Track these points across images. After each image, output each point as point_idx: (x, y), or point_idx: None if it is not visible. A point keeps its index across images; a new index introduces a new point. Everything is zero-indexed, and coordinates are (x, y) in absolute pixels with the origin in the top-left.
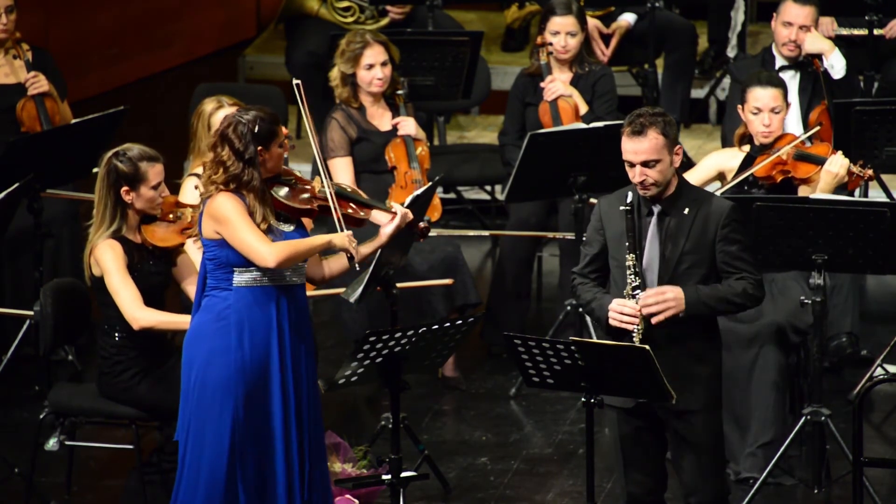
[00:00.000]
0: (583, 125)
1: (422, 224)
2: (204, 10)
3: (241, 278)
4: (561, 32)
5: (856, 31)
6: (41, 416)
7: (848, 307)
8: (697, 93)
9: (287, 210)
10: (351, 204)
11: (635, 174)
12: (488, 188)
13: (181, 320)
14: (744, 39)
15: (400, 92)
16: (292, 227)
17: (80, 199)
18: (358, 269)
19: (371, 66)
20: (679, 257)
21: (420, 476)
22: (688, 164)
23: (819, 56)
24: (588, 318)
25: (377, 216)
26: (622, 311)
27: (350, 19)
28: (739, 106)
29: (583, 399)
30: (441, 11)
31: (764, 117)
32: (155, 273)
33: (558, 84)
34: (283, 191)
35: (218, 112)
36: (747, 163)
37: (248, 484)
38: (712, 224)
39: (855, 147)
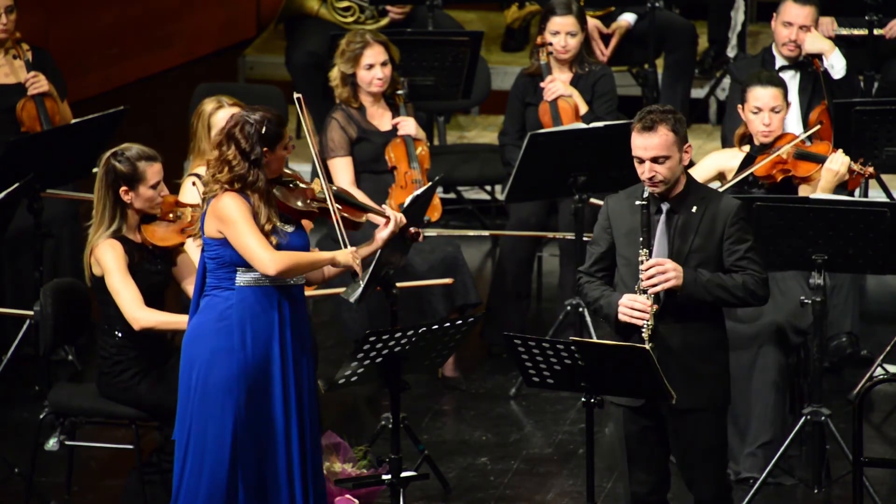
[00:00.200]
0: (583, 125)
1: (413, 230)
2: (204, 10)
3: (243, 278)
4: (561, 32)
5: (856, 31)
6: (41, 416)
7: (848, 307)
8: (697, 93)
9: (288, 211)
10: (347, 207)
11: (644, 170)
12: (488, 188)
13: (182, 320)
14: (744, 39)
15: (400, 92)
16: (293, 228)
17: (80, 199)
18: (362, 285)
19: (371, 66)
20: (687, 255)
21: (420, 476)
22: (688, 164)
23: (819, 56)
24: (588, 318)
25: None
26: (633, 305)
27: (350, 19)
28: (739, 105)
29: (583, 399)
30: (441, 11)
31: (764, 117)
32: (155, 272)
33: (558, 84)
34: (286, 192)
35: (218, 112)
36: (747, 163)
37: (248, 484)
38: (720, 222)
39: (855, 147)
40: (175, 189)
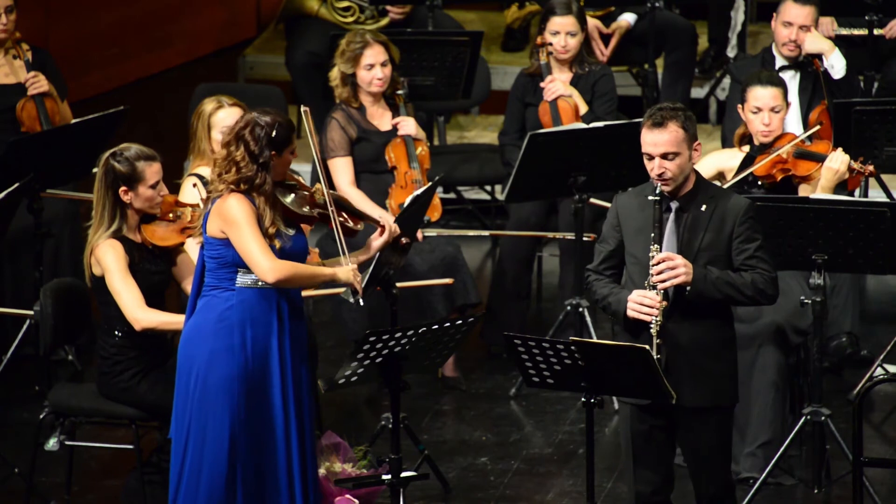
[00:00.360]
0: (583, 125)
1: (404, 240)
2: (204, 10)
3: (244, 279)
4: (561, 32)
5: (856, 31)
6: (41, 416)
7: (848, 307)
8: (697, 93)
9: (290, 215)
10: (345, 214)
11: (654, 167)
12: (488, 188)
13: (182, 321)
14: (744, 39)
15: (400, 92)
16: (293, 232)
17: (80, 199)
18: (362, 304)
19: (371, 66)
20: (696, 253)
21: (420, 476)
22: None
23: (819, 56)
24: (588, 318)
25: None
26: (642, 301)
27: (350, 19)
28: (739, 105)
29: (583, 399)
30: (441, 11)
31: (764, 116)
32: (155, 272)
33: (558, 84)
34: (289, 197)
35: (218, 112)
36: (747, 162)
37: (247, 484)
38: (729, 221)
39: (855, 147)
40: (175, 189)
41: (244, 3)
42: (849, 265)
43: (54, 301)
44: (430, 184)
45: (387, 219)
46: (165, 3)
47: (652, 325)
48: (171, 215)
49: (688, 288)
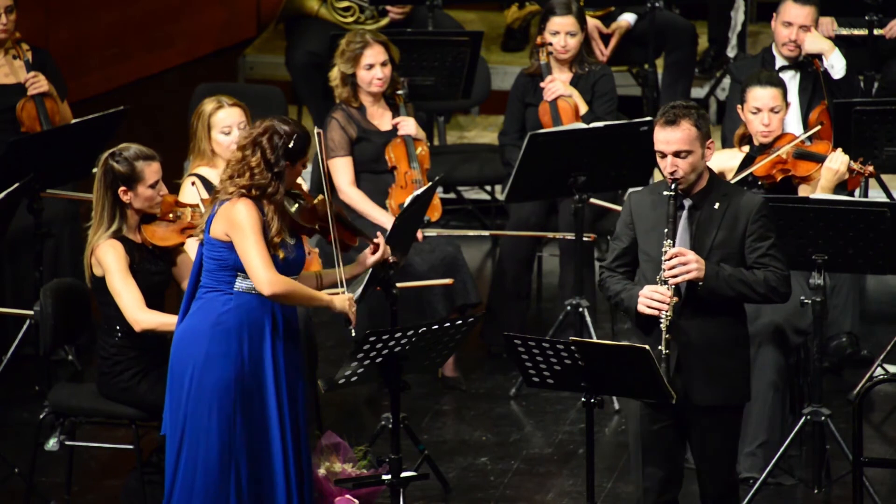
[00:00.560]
0: (583, 125)
1: (392, 258)
2: (204, 10)
3: (242, 284)
4: (560, 32)
5: (856, 31)
6: (41, 416)
7: (848, 307)
8: (697, 93)
9: (292, 225)
10: (343, 229)
11: (666, 165)
12: (488, 188)
13: None
14: (744, 39)
15: (400, 92)
16: (294, 241)
17: (80, 199)
18: (353, 335)
19: (371, 66)
20: (709, 251)
21: (420, 476)
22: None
23: (819, 56)
24: (588, 318)
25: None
26: (652, 296)
27: (350, 19)
28: (739, 106)
29: (583, 399)
30: (441, 11)
31: (763, 117)
32: (156, 272)
33: (558, 84)
34: (294, 207)
35: (218, 112)
36: (747, 163)
37: (243, 488)
38: (742, 218)
39: (855, 147)
40: (175, 189)
41: (244, 3)
42: (849, 265)
43: (54, 301)
44: (430, 184)
45: (381, 238)
46: (165, 3)
47: (662, 321)
48: (171, 215)
49: (700, 284)
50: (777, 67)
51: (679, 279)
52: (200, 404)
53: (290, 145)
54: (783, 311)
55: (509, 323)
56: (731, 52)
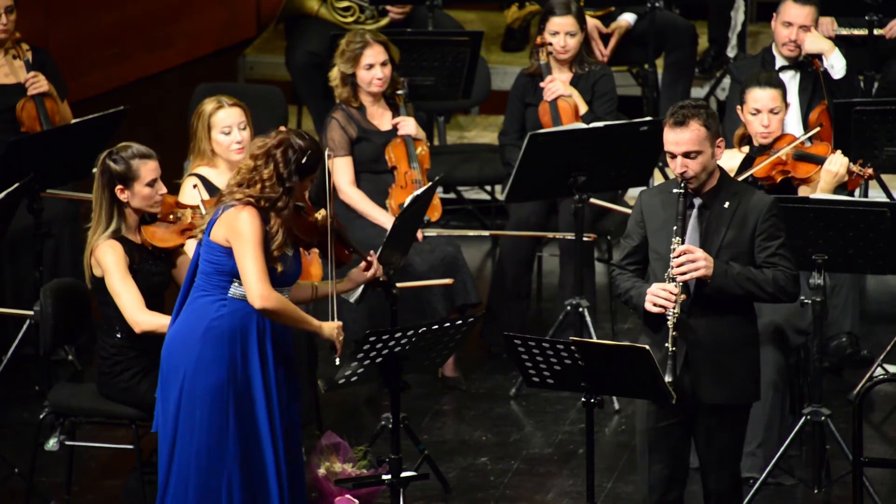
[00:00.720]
0: (583, 125)
1: (383, 278)
2: (204, 10)
3: (237, 290)
4: (560, 33)
5: (856, 31)
6: (41, 416)
7: (848, 307)
8: (697, 93)
9: (293, 238)
10: (339, 244)
11: (676, 165)
12: (488, 188)
13: None
14: (744, 39)
15: (400, 92)
16: (291, 252)
17: (80, 199)
18: (338, 363)
19: (371, 66)
20: (718, 250)
21: (420, 476)
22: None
23: (819, 56)
24: (588, 318)
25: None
26: (659, 293)
27: (350, 19)
28: (738, 107)
29: (583, 399)
30: (441, 11)
31: (763, 118)
32: (156, 273)
33: (558, 84)
34: (295, 219)
35: (218, 112)
36: (747, 163)
37: (235, 492)
38: (752, 218)
39: (855, 147)
40: (175, 189)
41: (244, 3)
42: (849, 265)
43: (54, 301)
44: (430, 184)
45: (374, 257)
46: (165, 3)
47: (669, 318)
48: (171, 217)
49: (708, 282)
50: (777, 67)
51: (687, 276)
52: (192, 410)
53: (304, 161)
54: (783, 311)
55: (509, 323)
56: (731, 52)
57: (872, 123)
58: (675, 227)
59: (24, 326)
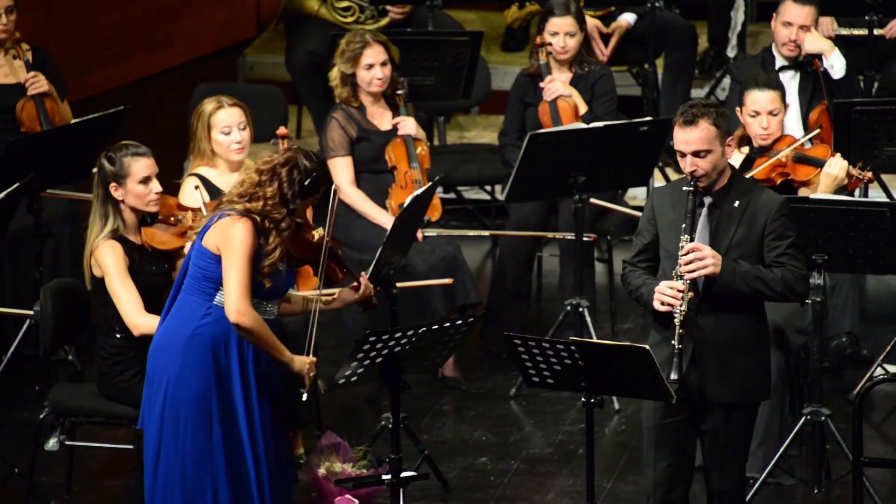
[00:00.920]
0: (583, 125)
1: (375, 300)
2: (204, 10)
3: (222, 298)
4: (559, 33)
5: (856, 31)
6: (41, 416)
7: (848, 307)
8: (697, 93)
9: (286, 252)
10: (333, 263)
11: (686, 164)
12: (488, 188)
13: None
14: (744, 39)
15: (400, 92)
16: (284, 267)
17: (80, 199)
18: (304, 398)
19: (371, 66)
20: (727, 248)
21: (420, 476)
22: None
23: (819, 56)
24: (588, 318)
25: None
26: (665, 291)
27: (350, 19)
28: (738, 108)
29: (583, 399)
30: (441, 11)
31: (762, 120)
32: (156, 274)
33: (558, 84)
34: (294, 236)
35: (218, 112)
36: (746, 164)
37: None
38: (762, 217)
39: (855, 147)
40: (175, 189)
41: (244, 3)
42: (849, 265)
43: (54, 301)
44: (430, 184)
45: (365, 279)
46: (165, 3)
47: (676, 315)
48: (171, 219)
49: (716, 280)
50: (777, 67)
51: (695, 274)
52: (176, 416)
53: (307, 183)
54: (784, 311)
55: (509, 323)
56: (731, 52)
57: (872, 123)
58: (683, 225)
59: (24, 326)
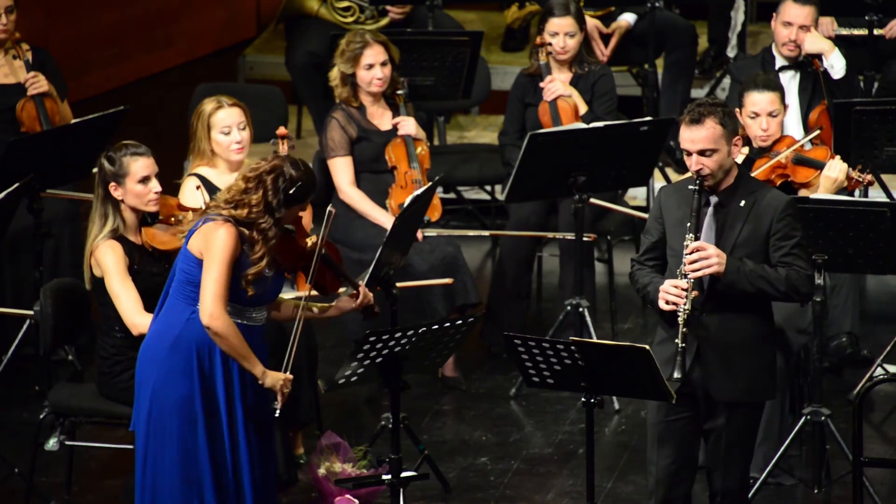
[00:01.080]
0: (583, 125)
1: (378, 309)
2: (204, 10)
3: None
4: (559, 33)
5: (856, 31)
6: (41, 416)
7: (848, 307)
8: (697, 93)
9: (274, 259)
10: (329, 273)
11: (692, 163)
12: (488, 188)
13: None
14: (744, 39)
15: (400, 92)
16: (273, 272)
17: (80, 199)
18: (277, 414)
19: (371, 66)
20: (733, 248)
21: (420, 476)
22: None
23: (819, 56)
24: (588, 318)
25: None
26: (669, 290)
27: (350, 19)
28: (737, 109)
29: (583, 399)
30: (441, 11)
31: (762, 121)
32: (156, 275)
33: (558, 84)
34: (282, 241)
35: (218, 112)
36: (746, 165)
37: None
38: (767, 217)
39: (855, 147)
40: (175, 189)
41: (244, 3)
42: (849, 265)
43: (54, 301)
44: (430, 184)
45: (363, 287)
46: (165, 3)
47: (679, 314)
48: (172, 219)
49: (720, 279)
50: (777, 67)
51: (699, 273)
52: (162, 420)
53: (292, 192)
54: (784, 311)
55: (509, 323)
56: (731, 52)
57: (872, 123)
58: (689, 224)
59: (24, 326)
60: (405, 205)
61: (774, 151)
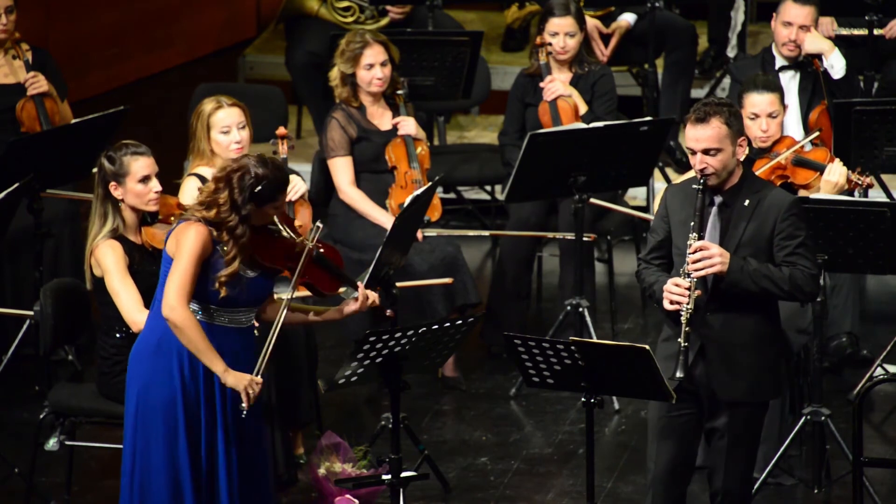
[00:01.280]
0: (583, 125)
1: (389, 312)
2: (204, 10)
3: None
4: (559, 33)
5: (856, 31)
6: (41, 416)
7: (848, 307)
8: (697, 93)
9: (255, 260)
10: (325, 274)
11: (696, 162)
12: (488, 188)
13: None
14: (744, 39)
15: (400, 92)
16: (256, 273)
17: (80, 199)
18: (244, 415)
19: (371, 66)
20: (737, 247)
21: (420, 476)
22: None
23: (819, 56)
24: (588, 318)
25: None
26: (672, 289)
27: (350, 19)
28: None
29: (583, 399)
30: (441, 11)
31: (761, 122)
32: (155, 274)
33: (558, 84)
34: (265, 241)
35: (218, 112)
36: (746, 166)
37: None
38: (772, 216)
39: (855, 147)
40: (175, 189)
41: (244, 3)
42: (849, 265)
43: (54, 301)
44: (430, 184)
45: (364, 290)
46: (165, 3)
47: (682, 313)
48: (171, 219)
49: (724, 278)
50: (777, 67)
51: (702, 272)
52: (147, 423)
53: (258, 189)
54: (784, 311)
55: (509, 323)
56: (731, 52)
57: (872, 123)
58: (692, 223)
59: (24, 326)
60: (405, 205)
61: (774, 152)
